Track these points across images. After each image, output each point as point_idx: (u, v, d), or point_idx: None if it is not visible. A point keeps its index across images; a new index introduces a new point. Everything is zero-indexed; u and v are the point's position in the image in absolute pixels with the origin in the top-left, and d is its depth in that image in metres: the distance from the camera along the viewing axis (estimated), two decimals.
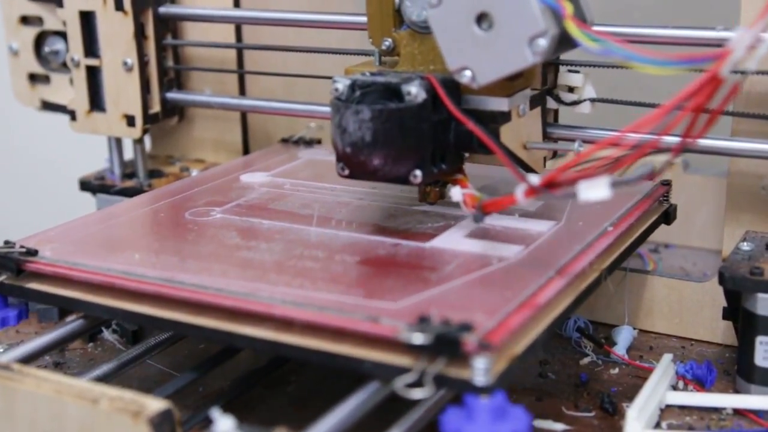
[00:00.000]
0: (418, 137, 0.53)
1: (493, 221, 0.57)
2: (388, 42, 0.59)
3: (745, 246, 0.58)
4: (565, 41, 0.50)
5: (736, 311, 0.57)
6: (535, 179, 0.48)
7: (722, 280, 0.55)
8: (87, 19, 0.75)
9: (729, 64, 0.43)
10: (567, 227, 0.57)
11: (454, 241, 0.55)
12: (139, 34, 0.74)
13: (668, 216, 0.63)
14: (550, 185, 0.47)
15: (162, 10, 0.75)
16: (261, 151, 0.76)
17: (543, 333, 0.46)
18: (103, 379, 0.53)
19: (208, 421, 0.43)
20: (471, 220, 0.54)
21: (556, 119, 0.65)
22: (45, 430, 0.44)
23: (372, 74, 0.55)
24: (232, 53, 0.80)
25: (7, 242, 0.55)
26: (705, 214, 0.75)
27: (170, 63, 0.78)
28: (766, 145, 0.58)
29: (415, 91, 0.52)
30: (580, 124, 0.64)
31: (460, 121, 0.53)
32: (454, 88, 0.54)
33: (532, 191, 0.48)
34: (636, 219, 0.59)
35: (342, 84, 0.53)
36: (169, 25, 0.77)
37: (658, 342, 0.64)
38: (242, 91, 0.81)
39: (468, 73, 0.52)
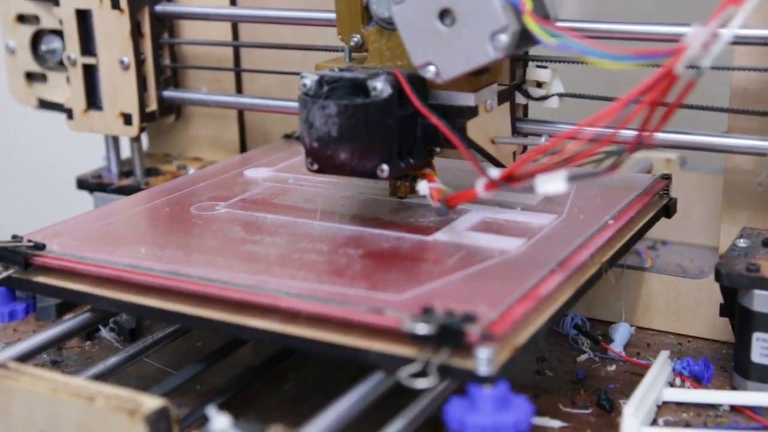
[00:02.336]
0: (384, 132, 0.53)
1: (495, 215, 0.58)
2: (356, 38, 0.59)
3: (742, 242, 0.58)
4: (527, 37, 0.51)
5: (733, 308, 0.57)
6: (494, 173, 0.49)
7: (719, 277, 0.55)
8: (83, 18, 0.74)
9: (683, 60, 0.44)
10: (568, 220, 0.57)
11: (456, 234, 0.55)
12: (136, 33, 0.74)
13: (668, 210, 0.63)
14: (509, 179, 0.48)
15: (158, 8, 0.75)
16: (264, 147, 0.76)
17: (545, 324, 0.47)
18: (100, 377, 0.53)
19: (205, 419, 0.43)
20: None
21: (525, 114, 0.65)
22: (41, 429, 0.44)
23: (340, 70, 0.55)
24: (228, 51, 0.80)
25: (14, 236, 0.55)
26: (702, 210, 0.75)
27: (167, 61, 0.78)
28: (761, 142, 0.58)
29: (380, 87, 0.53)
30: (549, 119, 0.64)
31: (425, 116, 0.54)
32: (420, 83, 0.54)
33: (492, 184, 0.49)
34: (636, 213, 0.59)
35: (310, 79, 0.54)
36: (165, 24, 0.77)
37: (655, 339, 0.64)
38: (239, 89, 0.81)
39: (432, 68, 0.53)
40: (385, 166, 0.54)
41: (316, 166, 0.55)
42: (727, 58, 0.61)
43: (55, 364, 0.62)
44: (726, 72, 0.60)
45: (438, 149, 0.57)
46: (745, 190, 0.62)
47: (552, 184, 0.46)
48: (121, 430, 0.41)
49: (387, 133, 0.53)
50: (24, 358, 0.51)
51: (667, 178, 0.64)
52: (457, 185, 0.54)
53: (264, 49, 0.78)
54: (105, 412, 0.42)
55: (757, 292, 0.54)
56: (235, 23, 0.79)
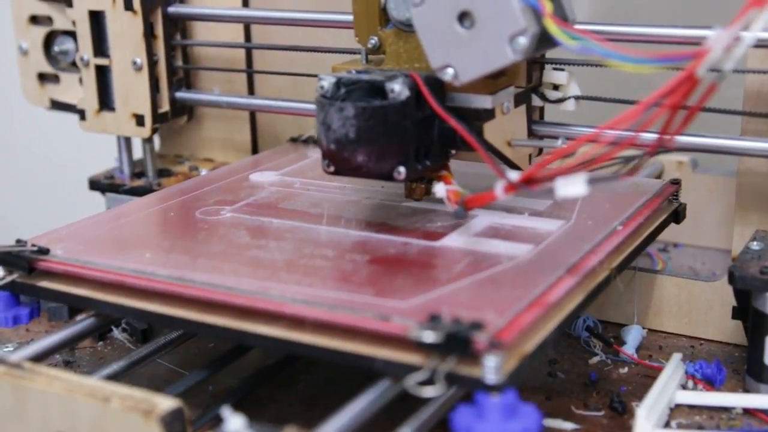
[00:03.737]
0: (401, 134, 0.53)
1: (503, 220, 0.58)
2: (374, 40, 0.59)
3: (755, 245, 0.58)
4: (546, 39, 0.51)
5: (746, 311, 0.57)
6: (514, 175, 0.49)
7: (732, 279, 0.55)
8: (96, 19, 0.75)
9: (705, 63, 0.44)
10: (577, 226, 0.57)
11: (463, 240, 0.55)
12: (149, 34, 0.74)
13: (678, 215, 0.63)
14: (528, 181, 0.48)
15: (171, 9, 0.75)
16: (270, 151, 0.76)
17: (553, 331, 0.46)
18: (114, 377, 0.53)
19: (219, 420, 0.43)
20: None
21: (541, 117, 0.65)
22: (56, 429, 0.44)
23: (358, 72, 0.55)
24: (240, 53, 0.80)
25: (18, 241, 0.55)
26: (714, 213, 0.75)
27: (179, 62, 0.78)
28: None
29: (398, 89, 0.53)
30: (566, 122, 0.64)
31: (443, 119, 0.54)
32: (437, 85, 0.55)
33: (512, 187, 0.49)
34: (645, 218, 0.59)
35: (327, 82, 0.54)
36: (178, 25, 0.77)
37: (668, 341, 0.64)
38: (251, 91, 0.81)
39: (450, 70, 0.53)
40: (401, 168, 0.54)
41: (332, 168, 0.55)
42: (741, 61, 0.60)
43: (68, 365, 0.62)
44: (740, 74, 0.60)
45: (454, 151, 0.57)
46: (759, 193, 0.62)
47: (572, 187, 0.46)
48: (135, 431, 0.41)
49: (404, 135, 0.53)
50: (38, 358, 0.51)
51: (676, 183, 0.64)
52: (469, 188, 0.54)
53: (276, 50, 0.78)
54: (120, 412, 0.42)
55: None
56: (247, 25, 0.79)
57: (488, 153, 0.53)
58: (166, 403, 0.42)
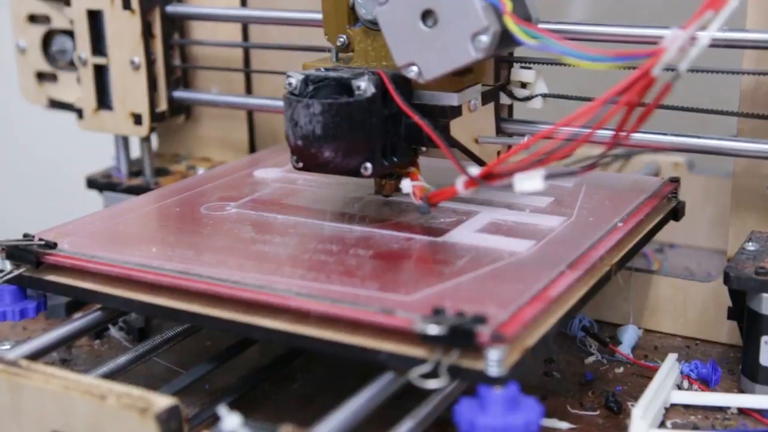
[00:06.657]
0: (367, 131, 0.54)
1: (505, 217, 0.58)
2: (342, 39, 0.60)
3: (750, 246, 0.58)
4: (508, 38, 0.52)
5: (741, 311, 0.57)
6: (474, 171, 0.49)
7: (727, 280, 0.55)
8: (94, 18, 0.75)
9: (661, 63, 0.44)
10: (578, 222, 0.57)
11: (466, 235, 0.56)
12: (147, 33, 0.74)
13: (677, 212, 0.63)
14: (488, 176, 0.49)
15: (169, 9, 0.75)
16: (273, 147, 0.77)
17: (554, 325, 0.47)
18: (110, 375, 0.53)
19: (215, 418, 0.43)
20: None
21: (510, 114, 0.66)
22: (52, 426, 0.44)
23: (326, 69, 0.56)
24: (238, 52, 0.80)
25: (26, 235, 0.56)
26: (710, 214, 0.75)
27: (177, 62, 0.78)
28: None
29: (364, 86, 0.53)
30: (534, 119, 0.65)
31: (408, 115, 0.55)
32: (404, 83, 0.55)
33: (472, 182, 0.50)
34: (645, 215, 0.59)
35: (296, 79, 0.55)
36: (176, 24, 0.77)
37: (663, 341, 0.64)
38: (249, 90, 0.81)
39: (414, 68, 0.54)
40: (368, 165, 0.55)
41: (301, 164, 0.56)
42: (737, 61, 0.61)
43: (65, 363, 0.62)
44: (735, 75, 0.60)
45: (424, 148, 0.57)
46: (754, 194, 0.62)
47: (529, 182, 0.47)
48: (132, 429, 0.41)
49: (370, 131, 0.54)
50: (35, 356, 0.51)
51: (675, 181, 0.64)
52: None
53: (273, 50, 0.78)
54: (116, 410, 0.42)
55: (765, 295, 0.54)
56: (245, 24, 0.79)
57: (450, 149, 0.53)
58: (163, 401, 0.42)
